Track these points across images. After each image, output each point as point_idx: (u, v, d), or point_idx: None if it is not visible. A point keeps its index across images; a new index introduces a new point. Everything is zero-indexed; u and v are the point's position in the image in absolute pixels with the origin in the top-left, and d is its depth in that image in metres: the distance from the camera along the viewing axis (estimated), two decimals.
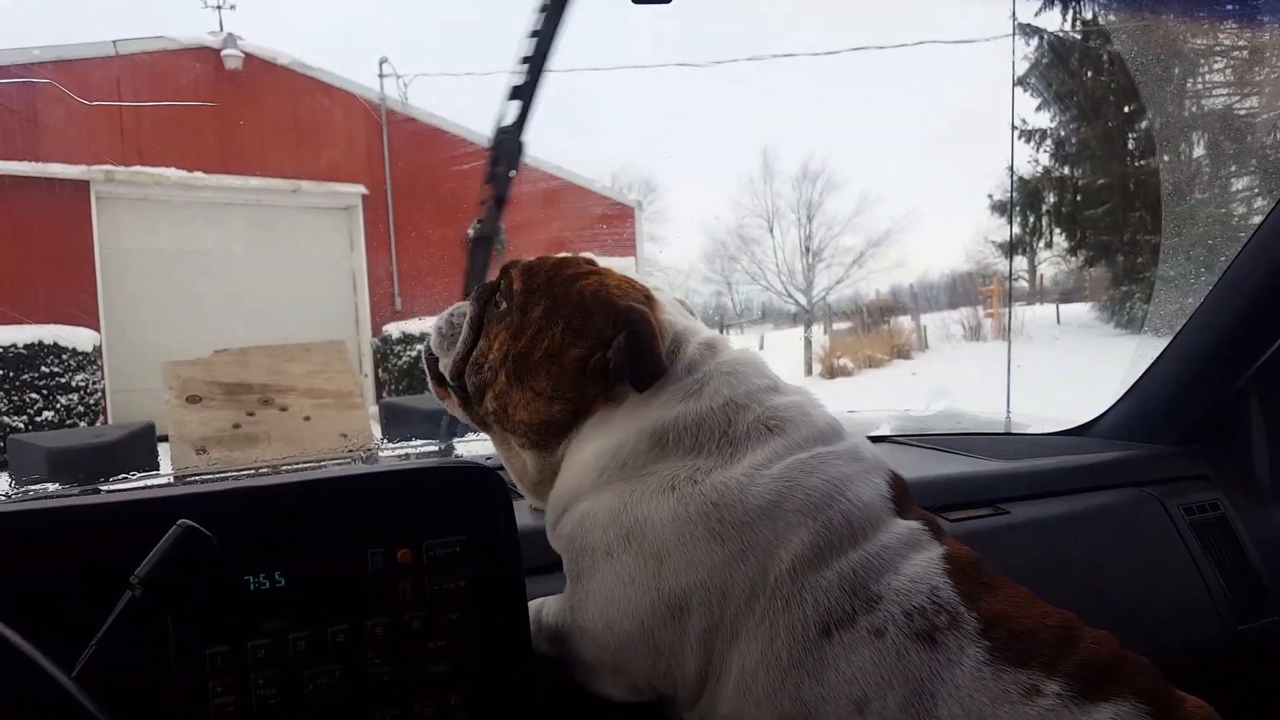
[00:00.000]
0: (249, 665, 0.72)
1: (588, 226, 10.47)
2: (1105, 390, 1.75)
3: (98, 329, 7.08)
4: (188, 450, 1.48)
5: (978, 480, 1.42)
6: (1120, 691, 0.73)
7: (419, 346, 7.75)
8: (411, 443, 1.71)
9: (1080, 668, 0.74)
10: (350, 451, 1.57)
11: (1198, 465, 1.56)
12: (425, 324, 7.92)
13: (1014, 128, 12.81)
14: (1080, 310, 14.00)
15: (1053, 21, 11.46)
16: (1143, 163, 11.80)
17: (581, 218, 10.43)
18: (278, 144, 8.56)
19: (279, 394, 1.59)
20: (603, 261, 1.02)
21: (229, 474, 1.42)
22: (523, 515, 0.91)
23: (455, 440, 1.72)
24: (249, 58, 8.34)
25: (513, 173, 1.02)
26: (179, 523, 0.66)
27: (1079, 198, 12.97)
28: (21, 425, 6.27)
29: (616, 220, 10.96)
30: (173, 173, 7.73)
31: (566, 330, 0.91)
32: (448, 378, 1.01)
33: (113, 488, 1.41)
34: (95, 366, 6.78)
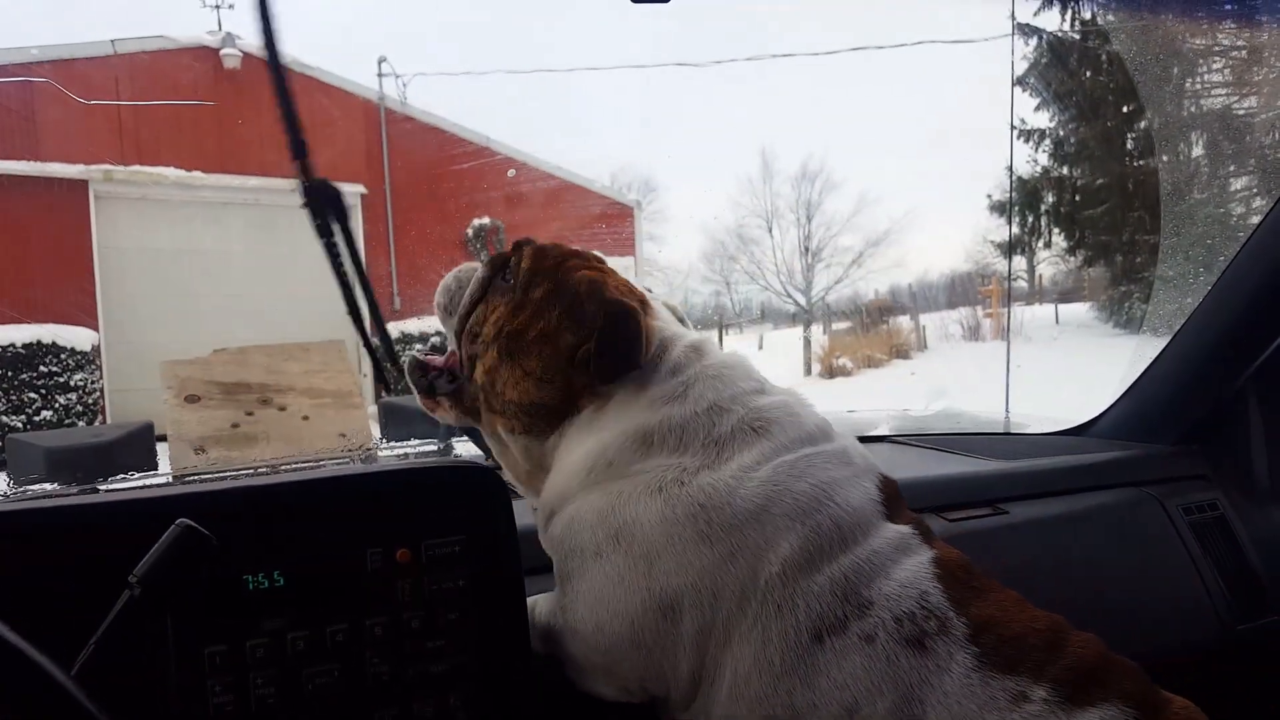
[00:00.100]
0: (248, 665, 0.72)
1: (587, 226, 10.47)
2: (1104, 390, 1.75)
3: (96, 328, 7.08)
4: (186, 450, 1.47)
5: (977, 480, 1.41)
6: (1107, 695, 0.73)
7: (419, 346, 7.74)
8: (410, 442, 1.71)
9: (1067, 672, 0.74)
10: (349, 451, 1.57)
11: (1197, 465, 1.56)
12: (424, 323, 7.91)
13: (1013, 128, 12.84)
14: (1079, 310, 14.02)
15: (1052, 21, 11.50)
16: (1141, 162, 11.81)
17: (581, 217, 10.43)
18: (276, 143, 8.48)
19: (278, 393, 1.59)
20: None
21: (228, 473, 1.42)
22: (522, 515, 0.91)
23: (454, 440, 1.72)
24: (248, 57, 8.33)
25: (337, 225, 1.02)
26: (178, 522, 0.65)
27: (1078, 197, 12.98)
28: (20, 425, 6.27)
29: (616, 220, 10.96)
30: (171, 172, 7.72)
31: (563, 316, 0.92)
32: (451, 337, 1.03)
33: (111, 487, 1.41)
34: (94, 366, 6.77)
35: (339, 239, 0.99)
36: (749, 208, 16.69)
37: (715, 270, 17.09)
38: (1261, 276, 1.41)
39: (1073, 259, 14.21)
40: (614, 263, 1.03)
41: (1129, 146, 12.32)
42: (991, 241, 15.93)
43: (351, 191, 8.78)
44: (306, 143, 1.00)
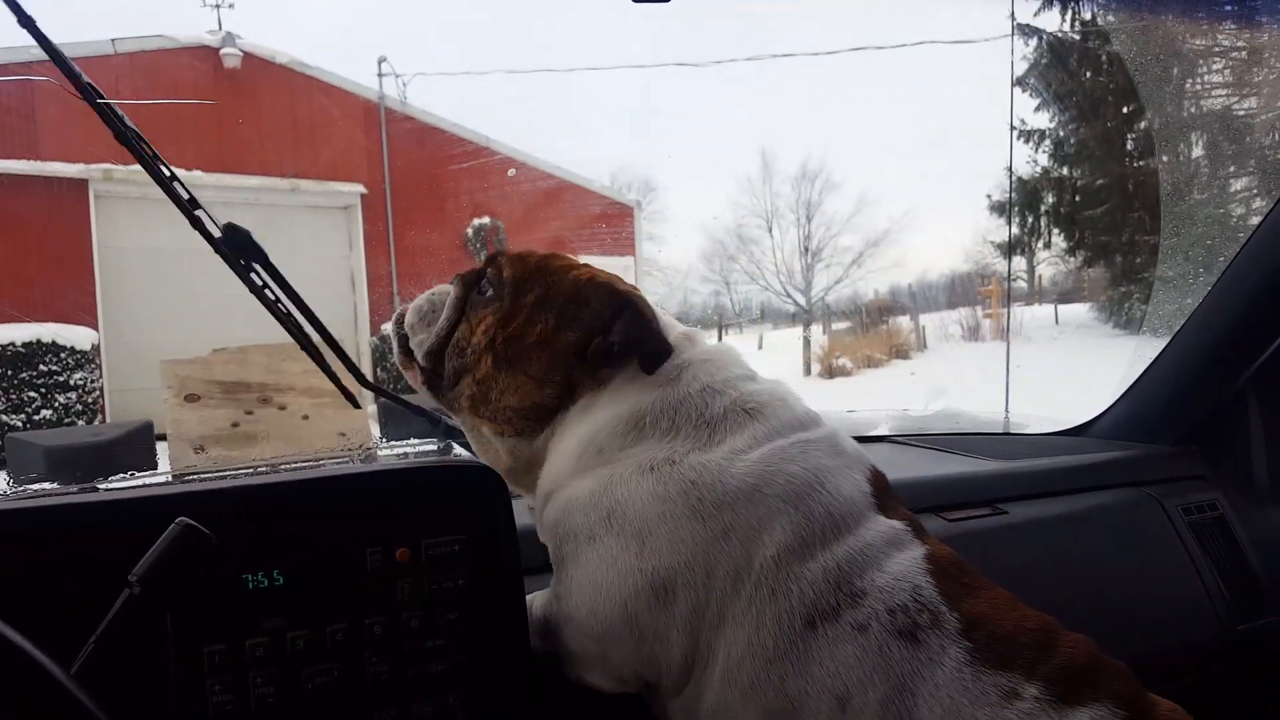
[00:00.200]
0: (247, 664, 0.72)
1: (586, 225, 10.47)
2: (1104, 390, 1.75)
3: (96, 327, 7.08)
4: (186, 449, 1.47)
5: (976, 480, 1.42)
6: (1097, 695, 0.73)
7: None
8: (410, 442, 1.71)
9: (1058, 671, 0.74)
10: (349, 450, 1.57)
11: (1196, 465, 1.56)
12: None
13: (1013, 128, 12.84)
14: (1079, 310, 14.02)
15: (1051, 22, 11.49)
16: (1141, 163, 11.81)
17: (580, 217, 10.43)
18: (276, 143, 8.56)
19: (277, 393, 1.58)
20: (601, 261, 1.03)
21: (227, 473, 1.42)
22: (521, 514, 0.91)
23: (454, 440, 1.72)
24: (248, 56, 8.34)
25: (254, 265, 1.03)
26: (177, 521, 0.65)
27: (1078, 198, 12.98)
28: (19, 424, 6.27)
29: (615, 219, 10.96)
30: None
31: (561, 317, 0.92)
32: (419, 359, 1.01)
33: (111, 486, 1.41)
34: (93, 365, 6.77)
35: (265, 277, 0.98)
36: (748, 208, 16.69)
37: (715, 270, 17.09)
38: (1261, 277, 1.41)
39: (1072, 259, 14.21)
40: (613, 263, 1.03)
41: (1129, 147, 12.32)
42: (991, 242, 15.93)
43: (351, 191, 8.78)
44: (194, 198, 1.00)
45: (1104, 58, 11.62)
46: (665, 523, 0.81)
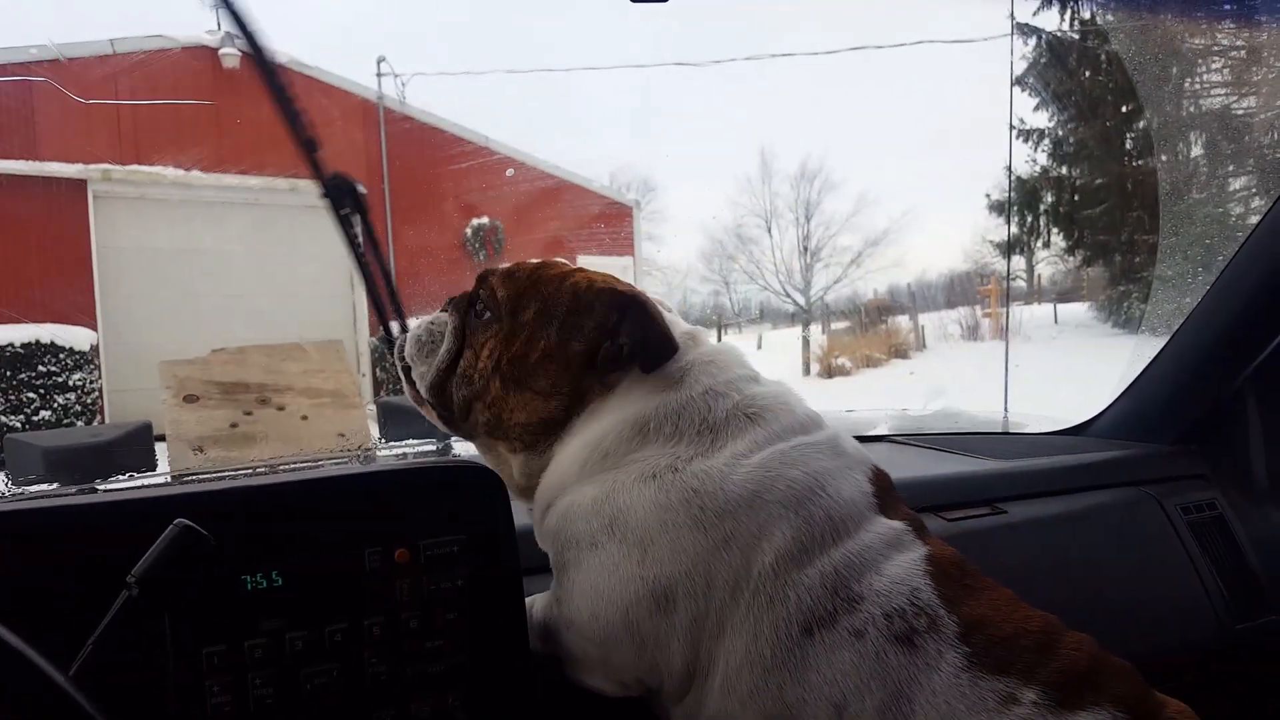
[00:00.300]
0: (246, 665, 0.72)
1: (585, 225, 10.47)
2: (1103, 390, 1.75)
3: (95, 328, 7.07)
4: (185, 450, 1.47)
5: (975, 480, 1.42)
6: (1099, 699, 0.72)
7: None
8: (409, 442, 1.71)
9: (1058, 675, 0.74)
10: (348, 451, 1.57)
11: (1195, 465, 1.56)
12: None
13: (1012, 127, 12.85)
14: (1078, 310, 14.03)
15: (1051, 21, 11.50)
16: (1140, 162, 11.82)
17: (579, 217, 10.43)
18: (275, 143, 8.53)
19: (276, 393, 1.58)
20: (601, 261, 1.03)
21: (226, 473, 1.42)
22: (520, 515, 0.91)
23: (453, 440, 1.72)
24: (246, 57, 8.32)
25: (357, 217, 1.04)
26: (176, 522, 0.65)
27: (1077, 197, 12.99)
28: (18, 424, 6.26)
29: (614, 219, 10.96)
30: (170, 171, 7.72)
31: (563, 327, 0.91)
32: (423, 392, 1.00)
33: (110, 487, 1.41)
34: (92, 366, 6.77)
35: (359, 230, 0.99)
36: (748, 207, 16.71)
37: (714, 270, 17.11)
38: (1260, 276, 1.41)
39: (1071, 259, 14.22)
40: (612, 263, 1.03)
41: (1128, 146, 12.34)
42: (990, 241, 15.96)
43: None
44: (316, 138, 1.01)
45: (1103, 57, 11.63)
46: (667, 532, 0.81)
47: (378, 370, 8.12)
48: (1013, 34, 10.86)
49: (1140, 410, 1.66)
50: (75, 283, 7.25)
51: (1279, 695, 1.39)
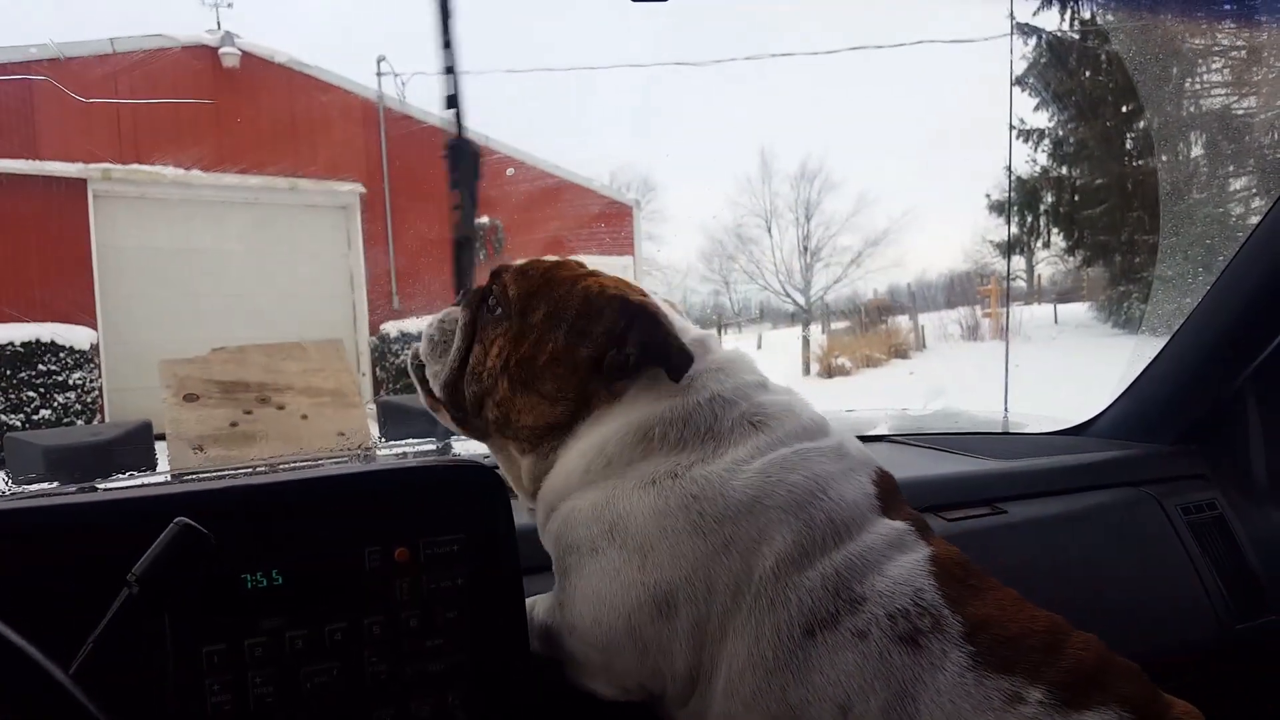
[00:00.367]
0: (246, 663, 0.72)
1: (585, 225, 10.46)
2: (1103, 390, 1.75)
3: (95, 327, 7.07)
4: (185, 449, 1.47)
5: (975, 480, 1.42)
6: (1105, 699, 0.72)
7: (417, 345, 7.73)
8: (409, 441, 1.71)
9: (1065, 674, 0.73)
10: (348, 450, 1.57)
11: (1195, 465, 1.56)
12: (423, 323, 7.89)
13: (1012, 127, 12.85)
14: (1078, 310, 14.03)
15: (1051, 21, 11.49)
16: (1140, 162, 11.81)
17: (579, 216, 10.42)
18: (275, 142, 8.54)
19: (276, 392, 1.59)
20: (601, 260, 1.03)
21: (226, 472, 1.42)
22: (520, 514, 0.91)
23: (453, 439, 1.72)
24: (246, 56, 8.32)
25: (477, 179, 1.07)
26: (176, 521, 0.65)
27: (1077, 197, 12.98)
28: (18, 423, 6.26)
29: (615, 219, 10.95)
30: (170, 171, 7.71)
31: (571, 332, 0.91)
32: (437, 390, 1.00)
33: (110, 486, 1.41)
34: (92, 365, 6.76)
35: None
36: (748, 207, 16.70)
37: (714, 270, 17.10)
38: (1260, 276, 1.41)
39: (1071, 259, 14.22)
40: (612, 262, 1.03)
41: (1128, 146, 12.33)
42: (990, 241, 15.95)
43: (350, 190, 8.77)
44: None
45: (1103, 57, 11.62)
46: (667, 537, 0.81)
47: (377, 370, 8.12)
48: (1013, 34, 10.85)
49: (1140, 410, 1.66)
50: (75, 282, 7.24)
51: (1279, 695, 1.39)
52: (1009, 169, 13.94)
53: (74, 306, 6.98)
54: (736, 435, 0.86)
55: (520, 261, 1.00)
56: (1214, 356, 1.52)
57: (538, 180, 10.01)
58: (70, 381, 6.52)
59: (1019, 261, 15.56)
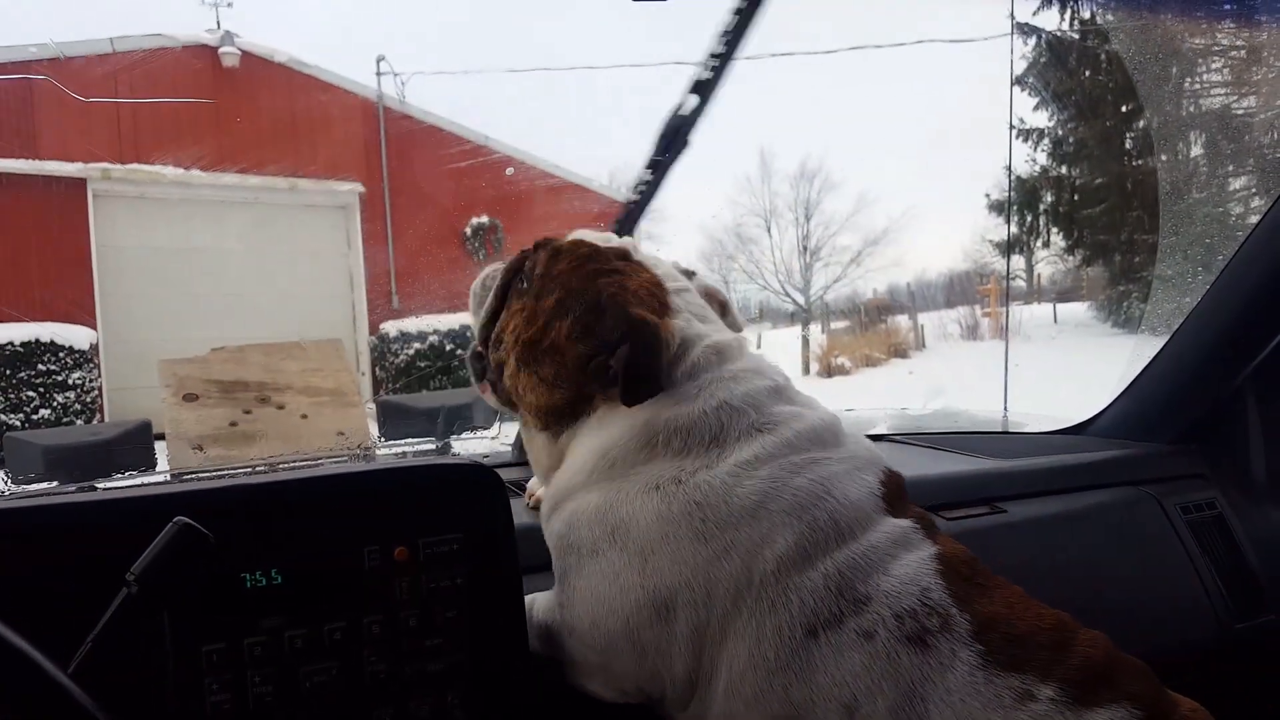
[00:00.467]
0: (245, 663, 0.72)
1: (585, 225, 10.42)
2: (1102, 389, 1.75)
3: (94, 327, 7.07)
4: (184, 448, 1.47)
5: (974, 479, 1.41)
6: (1115, 696, 0.72)
7: (416, 345, 7.75)
8: (408, 441, 1.71)
9: (1075, 672, 0.73)
10: (347, 449, 1.57)
11: (1195, 464, 1.56)
12: (423, 322, 7.91)
13: (1012, 127, 12.85)
14: (1078, 309, 14.04)
15: (1051, 21, 11.50)
16: (1140, 162, 11.81)
17: (579, 215, 10.42)
18: (275, 142, 8.54)
19: (276, 392, 1.58)
20: None
21: (226, 472, 1.42)
22: (520, 513, 0.91)
23: (452, 439, 1.72)
24: (246, 55, 8.33)
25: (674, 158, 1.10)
26: (175, 520, 0.65)
27: (1077, 197, 12.98)
28: (18, 423, 6.26)
29: (614, 219, 10.93)
30: (169, 170, 7.71)
31: (575, 325, 0.90)
32: (478, 343, 1.03)
33: (109, 485, 1.41)
34: (92, 364, 6.77)
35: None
36: (747, 207, 16.72)
37: (714, 269, 17.06)
38: (1260, 276, 1.41)
39: (1071, 258, 14.22)
40: None
41: (1128, 146, 12.33)
42: (990, 241, 15.97)
43: (349, 190, 8.77)
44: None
45: (1103, 56, 11.63)
46: (668, 543, 0.81)
47: (377, 369, 8.12)
48: (1013, 34, 10.85)
49: (1140, 410, 1.66)
50: (75, 281, 7.25)
51: (1279, 695, 1.39)
52: (1009, 168, 13.97)
53: (74, 306, 6.99)
54: (743, 442, 0.85)
55: (566, 239, 1.00)
56: (1213, 356, 1.52)
57: (537, 180, 10.01)
58: (70, 381, 6.52)
59: (1019, 261, 15.58)
